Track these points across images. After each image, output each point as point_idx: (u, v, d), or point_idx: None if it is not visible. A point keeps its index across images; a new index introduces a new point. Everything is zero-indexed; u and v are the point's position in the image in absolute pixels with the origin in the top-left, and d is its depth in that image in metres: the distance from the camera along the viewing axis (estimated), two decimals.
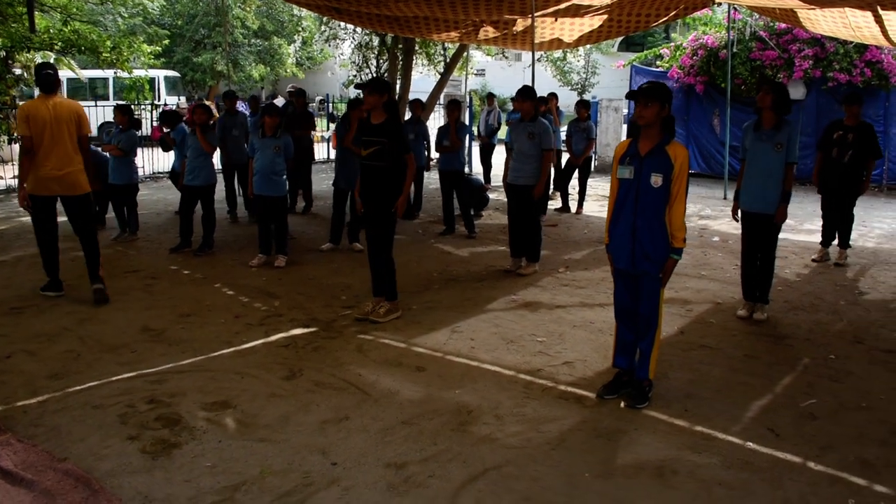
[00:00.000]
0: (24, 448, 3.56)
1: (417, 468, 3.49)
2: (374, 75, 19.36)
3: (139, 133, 8.99)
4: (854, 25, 8.97)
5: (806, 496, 3.31)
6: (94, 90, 23.04)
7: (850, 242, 8.02)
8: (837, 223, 7.90)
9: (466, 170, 12.58)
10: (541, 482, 3.39)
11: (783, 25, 13.30)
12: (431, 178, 13.08)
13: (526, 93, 7.09)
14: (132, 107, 10.43)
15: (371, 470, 3.46)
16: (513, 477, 3.43)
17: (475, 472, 3.47)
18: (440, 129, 9.40)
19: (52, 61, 17.73)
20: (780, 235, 5.97)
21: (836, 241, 7.96)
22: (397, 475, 3.42)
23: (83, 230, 6.28)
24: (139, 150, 9.00)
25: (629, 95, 4.24)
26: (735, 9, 13.02)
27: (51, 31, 13.75)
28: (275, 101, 17.85)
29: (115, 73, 17.25)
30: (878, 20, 8.34)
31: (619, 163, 4.20)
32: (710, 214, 11.06)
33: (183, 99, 25.03)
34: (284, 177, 7.50)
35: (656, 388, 4.37)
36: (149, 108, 16.76)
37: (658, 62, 16.82)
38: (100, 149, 9.53)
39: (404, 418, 4.02)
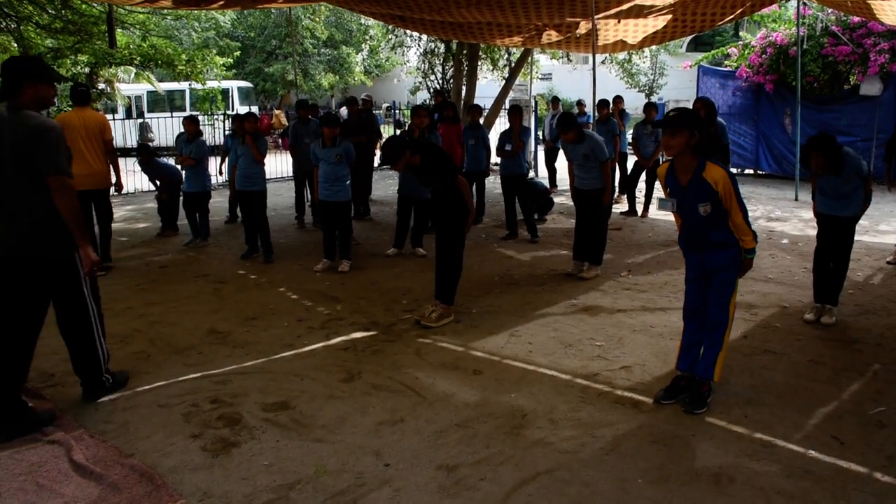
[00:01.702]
0: (94, 443, 3.75)
1: (469, 471, 3.52)
2: (440, 81, 19.53)
3: (207, 141, 9.33)
4: None
5: None
6: (172, 102, 23.93)
7: None
8: None
9: (531, 174, 12.58)
10: (592, 487, 3.38)
11: (857, 19, 12.81)
12: (495, 183, 13.10)
13: (567, 122, 7.01)
14: (199, 117, 10.76)
15: (423, 472, 3.51)
16: (564, 481, 3.43)
17: (527, 475, 3.47)
18: (502, 133, 9.41)
19: (132, 75, 18.52)
20: (854, 237, 5.79)
21: None
22: (448, 477, 3.46)
23: (105, 217, 7.59)
24: (210, 159, 9.31)
25: (656, 125, 4.21)
26: (805, 4, 12.63)
27: (130, 46, 14.38)
28: (339, 112, 18.17)
29: (190, 84, 17.89)
30: None
31: (664, 187, 4.22)
32: (780, 216, 10.74)
33: (256, 108, 25.75)
34: (348, 183, 7.65)
35: (716, 394, 4.30)
36: (221, 118, 17.30)
37: (726, 61, 16.44)
38: (172, 160, 9.92)
39: (458, 421, 4.06)
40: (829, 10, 13.23)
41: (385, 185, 14.13)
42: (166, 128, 16.60)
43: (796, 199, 12.04)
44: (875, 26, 12.68)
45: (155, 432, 3.93)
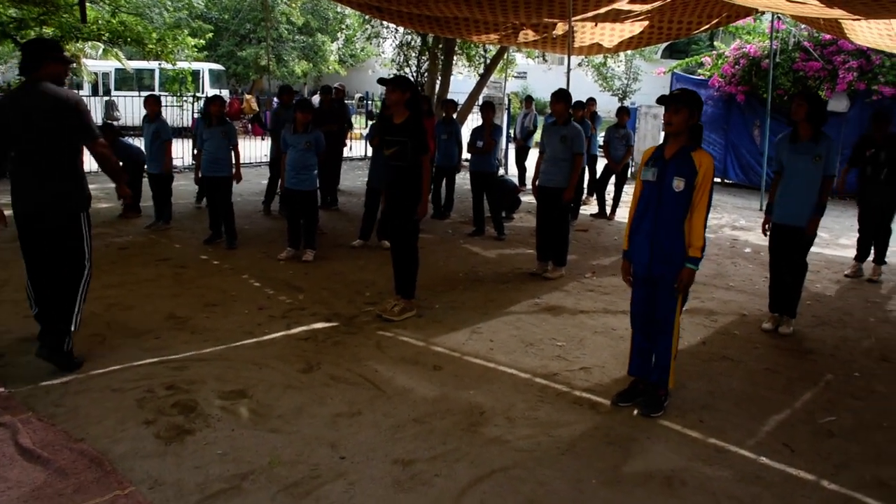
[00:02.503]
0: (43, 427, 3.66)
1: (424, 466, 3.50)
2: (415, 75, 19.45)
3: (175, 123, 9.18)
4: None
5: None
6: (140, 81, 23.49)
7: (886, 259, 7.84)
8: (874, 236, 7.75)
9: (501, 171, 12.60)
10: (547, 486, 3.39)
11: (828, 36, 13.05)
12: (465, 179, 13.09)
13: (560, 94, 7.09)
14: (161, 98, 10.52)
15: (378, 465, 3.49)
16: (519, 479, 3.43)
17: (482, 473, 3.47)
18: (474, 130, 9.42)
19: (100, 52, 18.16)
20: (814, 249, 5.86)
21: (871, 257, 7.81)
22: (404, 472, 3.44)
23: None
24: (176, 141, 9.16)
25: (660, 100, 4.19)
26: (779, 18, 12.81)
27: (99, 22, 14.06)
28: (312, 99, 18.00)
29: (159, 64, 17.57)
30: None
31: (644, 165, 4.18)
32: (744, 225, 10.90)
33: (227, 92, 25.40)
34: (315, 172, 7.57)
35: (672, 398, 4.34)
36: (191, 99, 17.06)
37: (699, 70, 16.62)
38: (139, 141, 9.73)
39: (416, 416, 4.04)
40: (802, 26, 13.43)
41: (354, 176, 14.05)
42: (133, 107, 16.31)
43: (761, 209, 12.20)
44: (845, 44, 12.92)
45: (107, 417, 3.85)
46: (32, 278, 4.58)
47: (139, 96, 15.02)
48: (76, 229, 4.51)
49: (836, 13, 7.77)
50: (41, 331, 4.50)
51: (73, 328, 4.51)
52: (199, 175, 8.23)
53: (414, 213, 5.70)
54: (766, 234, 5.93)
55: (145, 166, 9.04)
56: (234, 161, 8.06)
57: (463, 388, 4.47)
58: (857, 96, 13.33)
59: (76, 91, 14.26)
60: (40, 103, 4.25)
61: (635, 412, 4.20)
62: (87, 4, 14.34)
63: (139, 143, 9.90)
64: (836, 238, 10.04)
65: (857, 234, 7.94)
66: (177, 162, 12.95)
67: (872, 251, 7.81)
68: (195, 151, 10.19)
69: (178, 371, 4.51)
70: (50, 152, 4.33)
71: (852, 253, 8.13)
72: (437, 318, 5.81)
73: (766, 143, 12.73)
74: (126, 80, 23.39)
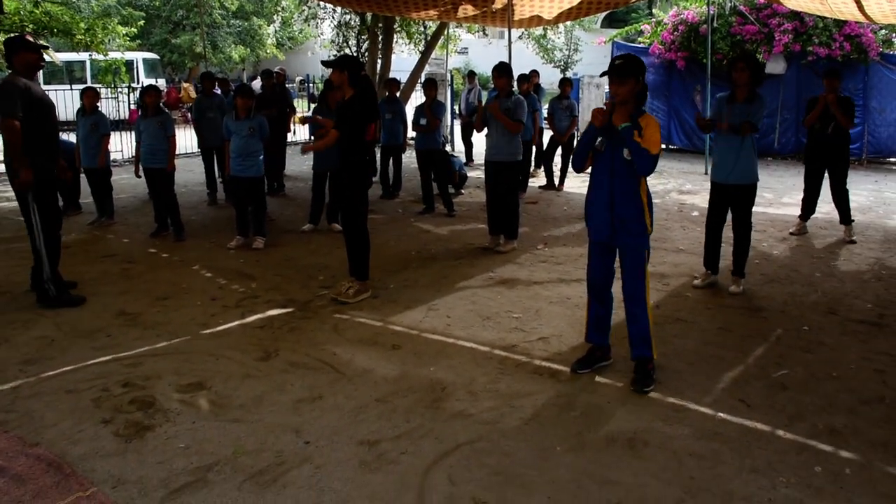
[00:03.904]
0: None
1: (390, 445, 3.50)
2: (355, 54, 19.24)
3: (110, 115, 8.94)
4: (830, 0, 8.95)
5: (773, 464, 3.36)
6: (71, 73, 22.72)
7: (852, 218, 7.89)
8: (834, 200, 7.86)
9: (448, 148, 12.57)
10: (512, 457, 3.42)
11: (762, 0, 13.29)
12: (411, 158, 13.03)
13: (502, 69, 7.08)
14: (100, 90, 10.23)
15: (343, 448, 3.48)
16: (485, 452, 3.46)
17: (447, 448, 3.49)
18: (417, 108, 9.37)
19: None
20: (758, 209, 5.96)
21: (838, 219, 7.90)
22: (369, 452, 3.44)
23: None
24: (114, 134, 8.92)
25: (604, 74, 4.19)
26: None
27: (21, 13, 13.50)
28: (252, 84, 17.67)
29: (90, 55, 16.99)
30: None
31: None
32: (690, 189, 11.09)
33: (163, 81, 24.75)
34: (261, 158, 7.45)
35: (628, 363, 4.37)
36: (126, 90, 16.58)
37: (639, 38, 16.78)
38: (73, 136, 9.43)
39: (378, 396, 4.04)
40: None
41: (300, 160, 13.86)
42: (65, 101, 15.79)
43: (706, 173, 12.43)
44: (780, 7, 13.16)
45: (63, 419, 3.75)
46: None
47: (71, 90, 14.55)
48: (22, 199, 5.39)
49: None
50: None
51: (45, 277, 5.48)
52: (139, 169, 8.05)
53: (356, 196, 5.63)
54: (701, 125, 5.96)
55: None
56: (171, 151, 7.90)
57: (423, 365, 4.48)
58: (793, 58, 13.63)
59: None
60: None
61: (631, 389, 4.12)
62: None
63: (73, 138, 9.57)
64: (780, 197, 10.30)
65: (802, 193, 8.08)
66: (115, 155, 12.60)
67: (837, 214, 7.85)
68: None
69: (132, 368, 4.42)
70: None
71: (796, 211, 8.32)
72: (392, 298, 5.80)
73: (708, 108, 12.92)
74: (56, 74, 22.56)
